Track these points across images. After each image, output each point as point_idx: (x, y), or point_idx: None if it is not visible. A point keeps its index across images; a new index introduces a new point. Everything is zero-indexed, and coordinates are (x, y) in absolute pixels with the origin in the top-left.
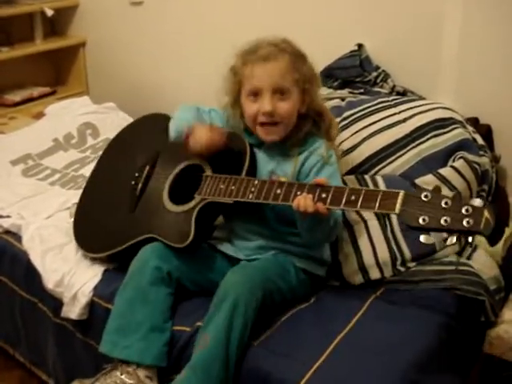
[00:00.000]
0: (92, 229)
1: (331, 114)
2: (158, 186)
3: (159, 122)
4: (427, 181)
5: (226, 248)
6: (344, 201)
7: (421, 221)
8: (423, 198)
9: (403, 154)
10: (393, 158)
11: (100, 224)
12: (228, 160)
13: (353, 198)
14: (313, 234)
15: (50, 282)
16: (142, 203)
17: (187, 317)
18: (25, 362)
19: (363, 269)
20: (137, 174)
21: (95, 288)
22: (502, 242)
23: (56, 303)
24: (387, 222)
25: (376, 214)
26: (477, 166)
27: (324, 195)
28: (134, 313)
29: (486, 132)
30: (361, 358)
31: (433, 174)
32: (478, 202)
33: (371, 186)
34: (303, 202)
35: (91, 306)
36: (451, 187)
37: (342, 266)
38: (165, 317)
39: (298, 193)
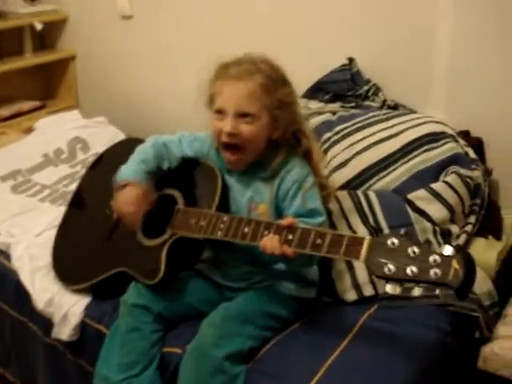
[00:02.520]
0: (69, 258)
1: (314, 143)
2: None
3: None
4: (419, 196)
5: (214, 274)
6: (310, 244)
7: (386, 270)
8: (390, 245)
9: (395, 169)
10: (385, 172)
11: (76, 253)
12: (201, 190)
13: (318, 241)
14: (291, 266)
15: (39, 302)
16: (117, 232)
17: (177, 338)
18: (15, 381)
19: (356, 285)
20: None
21: (86, 308)
22: (494, 257)
23: (46, 323)
24: (379, 233)
25: (369, 231)
26: (469, 180)
27: (290, 237)
28: (127, 353)
29: (477, 145)
30: (354, 378)
31: (425, 189)
32: (447, 250)
33: (364, 202)
34: (269, 244)
35: (82, 326)
36: (444, 202)
37: (335, 283)
38: (155, 349)
39: (266, 232)
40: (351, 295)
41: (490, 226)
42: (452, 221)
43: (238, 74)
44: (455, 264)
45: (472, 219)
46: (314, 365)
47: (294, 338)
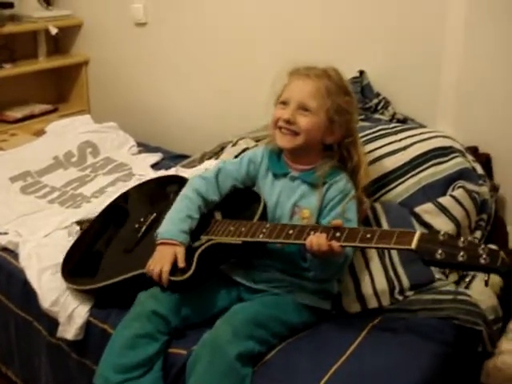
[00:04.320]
0: (82, 263)
1: (365, 160)
2: None
3: (175, 181)
4: (426, 209)
5: (236, 275)
6: (359, 238)
7: (438, 256)
8: (440, 238)
9: (403, 182)
10: (392, 185)
11: (92, 260)
12: (240, 211)
13: (368, 235)
14: (324, 271)
15: (45, 301)
16: (142, 244)
17: (183, 340)
18: (16, 380)
19: (361, 298)
20: (142, 219)
21: (91, 308)
22: None
23: (51, 323)
24: (386, 251)
25: None
26: (476, 196)
27: (338, 234)
28: (133, 355)
29: (486, 161)
30: None
31: (432, 203)
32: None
33: (370, 214)
34: (316, 240)
35: (87, 326)
36: (450, 216)
37: (341, 296)
38: (160, 354)
39: (312, 232)
40: (355, 307)
41: (495, 241)
42: (458, 236)
43: (308, 73)
44: (502, 254)
45: (478, 234)
46: (318, 372)
47: (299, 345)
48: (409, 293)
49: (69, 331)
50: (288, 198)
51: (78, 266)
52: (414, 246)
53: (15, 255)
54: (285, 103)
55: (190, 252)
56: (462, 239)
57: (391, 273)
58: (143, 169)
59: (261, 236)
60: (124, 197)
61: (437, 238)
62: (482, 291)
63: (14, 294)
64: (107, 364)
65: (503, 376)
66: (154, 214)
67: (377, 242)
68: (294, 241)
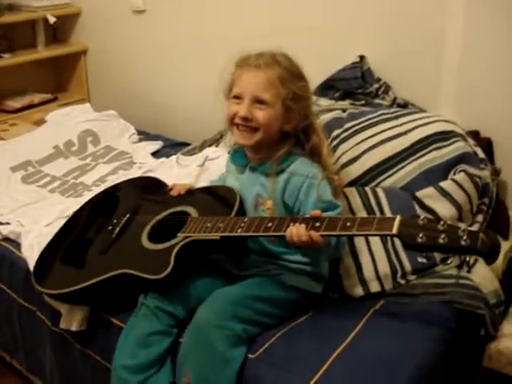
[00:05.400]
0: (55, 267)
1: (324, 139)
2: (138, 230)
3: (149, 182)
4: (428, 193)
5: (227, 264)
6: (339, 227)
7: (419, 239)
8: (420, 222)
9: (404, 167)
10: (394, 170)
11: (65, 264)
12: (217, 208)
13: (348, 224)
14: (317, 259)
15: None
16: (117, 245)
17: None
18: (21, 369)
19: (363, 282)
20: (115, 221)
21: None
22: (501, 256)
23: (54, 312)
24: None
25: None
26: (477, 180)
27: (318, 224)
28: (146, 354)
29: (487, 145)
30: (359, 372)
31: (433, 187)
32: (473, 227)
33: (372, 199)
34: (296, 231)
35: (90, 316)
36: (452, 200)
37: (342, 279)
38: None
39: (291, 224)
40: (358, 291)
41: (497, 225)
42: (460, 219)
43: (257, 64)
44: (482, 235)
45: (479, 218)
46: (319, 358)
47: (300, 330)
48: (411, 277)
49: (72, 322)
50: (250, 190)
51: (51, 270)
52: (395, 231)
53: (17, 245)
54: (238, 98)
55: (167, 250)
56: (441, 222)
57: (393, 257)
58: (144, 157)
59: (239, 230)
60: (97, 199)
61: (416, 222)
62: (484, 275)
63: (17, 283)
64: (122, 366)
65: (505, 359)
66: (128, 215)
67: (357, 229)
68: (274, 233)
